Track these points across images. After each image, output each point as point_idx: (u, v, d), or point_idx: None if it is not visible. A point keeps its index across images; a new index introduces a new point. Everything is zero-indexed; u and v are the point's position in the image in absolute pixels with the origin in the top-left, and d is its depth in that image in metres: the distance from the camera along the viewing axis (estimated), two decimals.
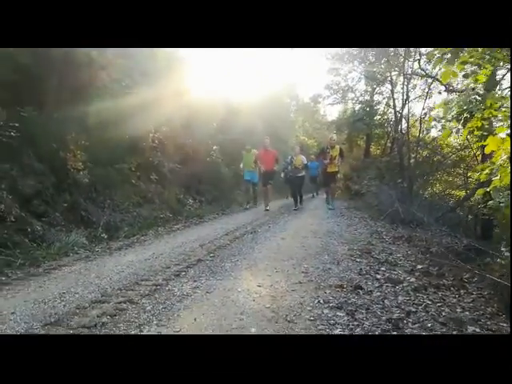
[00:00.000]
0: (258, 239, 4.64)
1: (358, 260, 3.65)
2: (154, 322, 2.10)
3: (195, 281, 2.87)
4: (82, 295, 2.58)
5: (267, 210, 8.00)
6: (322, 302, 2.47)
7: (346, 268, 3.33)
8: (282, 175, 9.35)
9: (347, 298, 2.54)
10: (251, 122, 12.34)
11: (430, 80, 10.38)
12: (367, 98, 14.44)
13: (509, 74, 4.82)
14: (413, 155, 9.40)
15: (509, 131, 2.45)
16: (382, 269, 3.36)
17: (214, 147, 10.22)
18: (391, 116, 13.37)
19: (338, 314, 2.27)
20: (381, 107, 14.28)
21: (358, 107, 14.47)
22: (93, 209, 5.42)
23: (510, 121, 2.68)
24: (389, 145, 14.23)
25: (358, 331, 2.04)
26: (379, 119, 13.63)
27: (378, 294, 2.68)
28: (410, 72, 8.75)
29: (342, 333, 1.25)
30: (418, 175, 9.57)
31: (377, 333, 2.00)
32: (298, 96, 23.32)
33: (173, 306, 2.36)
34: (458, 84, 7.76)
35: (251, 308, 2.34)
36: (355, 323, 2.14)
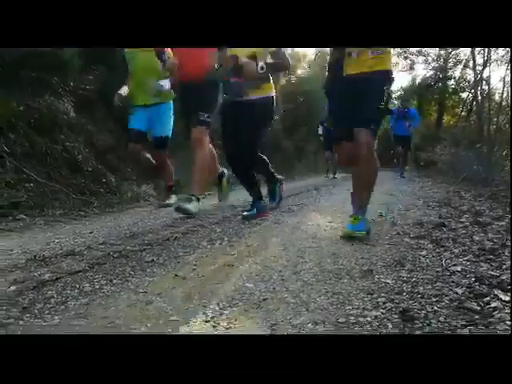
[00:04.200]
0: (322, 194, 4.48)
1: (437, 209, 3.35)
2: (226, 239, 2.08)
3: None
4: (154, 223, 2.64)
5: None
6: (400, 233, 2.28)
7: (423, 214, 3.07)
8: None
9: (429, 233, 2.32)
10: (310, 95, 11.86)
11: None
12: (441, 63, 13.26)
13: None
14: (494, 120, 8.51)
15: None
16: (466, 216, 3.04)
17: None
18: (469, 79, 12.16)
19: (421, 242, 2.07)
20: (456, 72, 13.04)
21: (429, 73, 13.34)
22: None
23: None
24: (464, 114, 13.05)
25: (447, 255, 1.85)
26: (454, 85, 12.48)
27: (464, 231, 2.41)
28: None
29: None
30: (499, 142, 8.64)
31: (466, 259, 1.80)
32: None
33: (242, 229, 2.33)
34: None
35: (323, 235, 2.22)
36: (441, 249, 1.94)
